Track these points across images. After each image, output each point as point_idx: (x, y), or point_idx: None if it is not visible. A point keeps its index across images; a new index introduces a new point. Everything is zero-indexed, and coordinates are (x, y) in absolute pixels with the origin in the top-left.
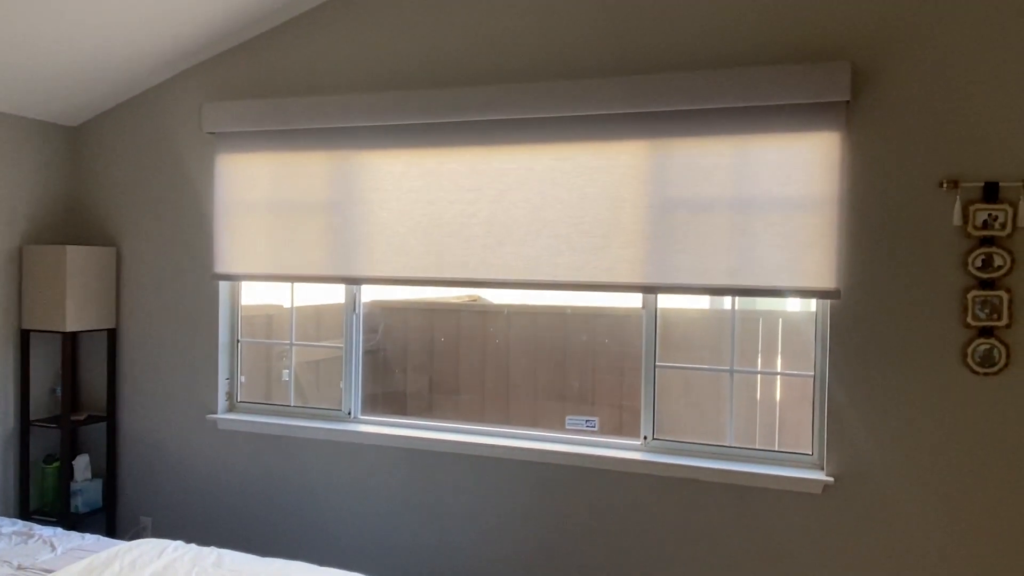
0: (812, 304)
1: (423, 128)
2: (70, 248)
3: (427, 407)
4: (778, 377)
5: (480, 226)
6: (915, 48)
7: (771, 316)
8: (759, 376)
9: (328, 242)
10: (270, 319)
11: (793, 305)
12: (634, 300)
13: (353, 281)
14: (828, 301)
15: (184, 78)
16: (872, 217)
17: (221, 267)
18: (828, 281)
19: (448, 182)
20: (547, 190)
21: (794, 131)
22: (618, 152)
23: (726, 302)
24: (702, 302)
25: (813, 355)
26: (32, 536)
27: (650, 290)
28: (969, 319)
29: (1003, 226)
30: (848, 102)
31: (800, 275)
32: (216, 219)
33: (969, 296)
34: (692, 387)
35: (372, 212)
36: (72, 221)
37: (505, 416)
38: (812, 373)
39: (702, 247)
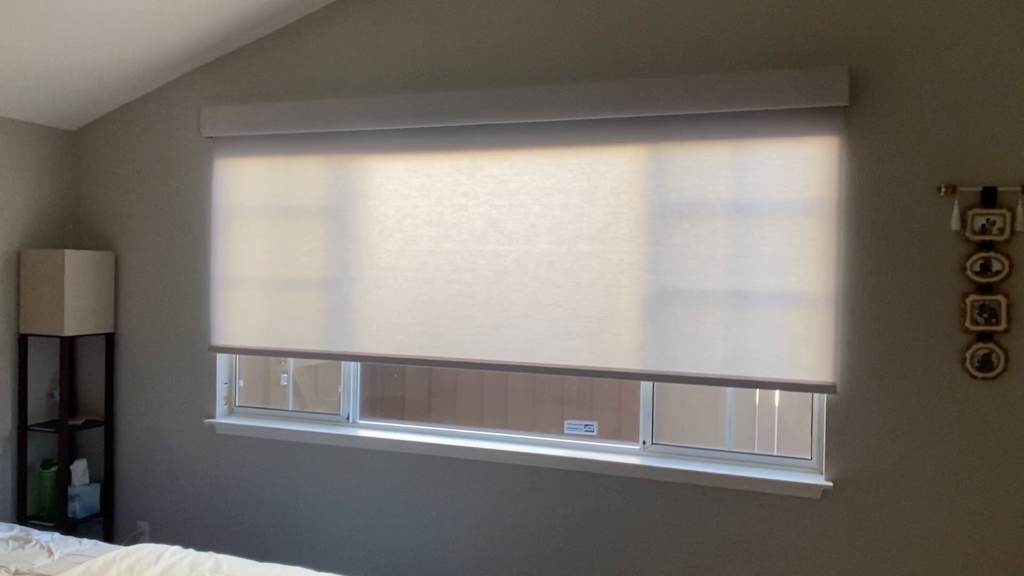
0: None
1: (422, 132)
2: (68, 252)
3: (425, 411)
4: None
5: (478, 307)
6: (913, 53)
7: None
8: None
9: (325, 316)
10: None
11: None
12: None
13: (350, 358)
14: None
15: (183, 82)
16: (870, 221)
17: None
18: (826, 373)
19: (445, 262)
20: (543, 274)
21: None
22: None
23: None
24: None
25: None
26: (29, 541)
27: (648, 378)
28: (968, 323)
29: (1001, 231)
30: (846, 107)
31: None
32: (214, 223)
33: (967, 301)
34: (691, 391)
35: (369, 291)
36: (70, 225)
37: (503, 420)
38: None
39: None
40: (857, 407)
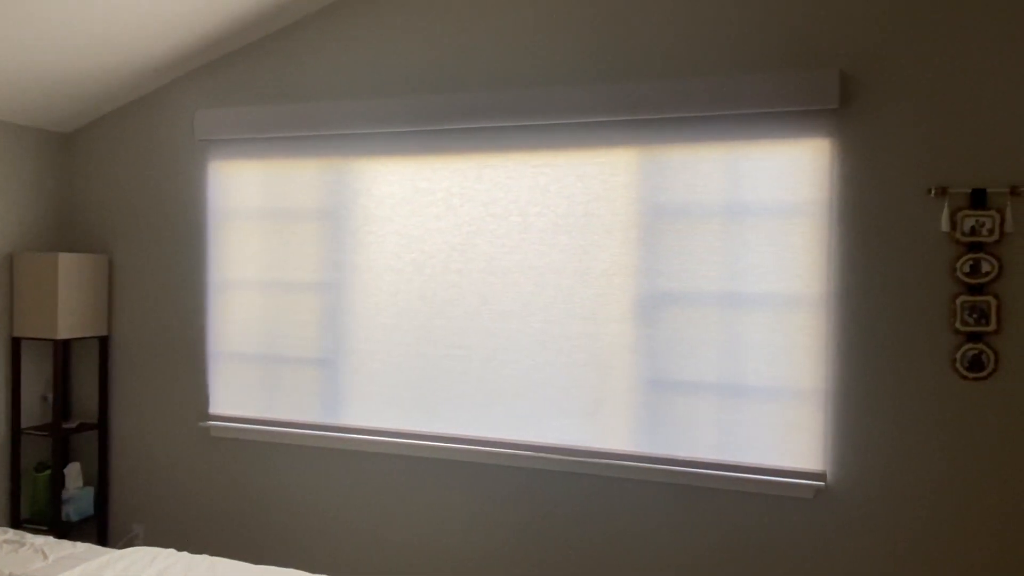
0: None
1: (416, 135)
2: (62, 255)
3: None
4: None
5: (471, 384)
6: (903, 56)
7: None
8: None
9: (320, 388)
10: None
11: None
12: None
13: (346, 431)
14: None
15: (177, 85)
16: (862, 223)
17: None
18: (816, 461)
19: (438, 338)
20: (537, 353)
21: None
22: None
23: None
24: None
25: None
26: (23, 544)
27: (639, 460)
28: (958, 324)
29: (990, 232)
30: (837, 109)
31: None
32: (209, 226)
33: (957, 301)
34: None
35: (364, 363)
36: (64, 228)
37: None
38: None
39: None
40: (849, 406)
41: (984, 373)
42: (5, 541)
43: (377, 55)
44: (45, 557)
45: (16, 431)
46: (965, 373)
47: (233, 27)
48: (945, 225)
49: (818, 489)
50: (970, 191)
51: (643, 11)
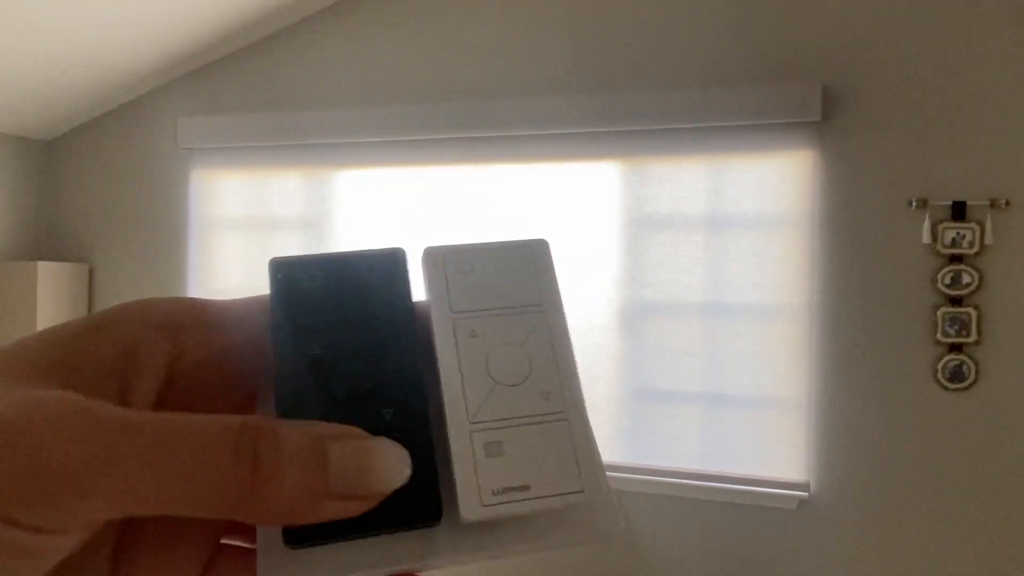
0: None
1: (400, 145)
2: (41, 264)
3: None
4: None
5: None
6: (885, 69)
7: None
8: None
9: None
10: None
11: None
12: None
13: None
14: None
15: (160, 93)
16: (844, 234)
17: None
18: (799, 472)
19: None
20: None
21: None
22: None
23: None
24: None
25: None
26: None
27: (623, 470)
28: (939, 336)
29: (971, 244)
30: (819, 122)
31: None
32: (191, 235)
33: (939, 313)
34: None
35: None
36: (44, 237)
37: None
38: None
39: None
40: (832, 417)
41: (965, 384)
42: None
43: (361, 65)
44: None
45: None
46: (946, 384)
47: (216, 35)
48: (926, 237)
49: (801, 500)
50: (951, 203)
51: (627, 23)
